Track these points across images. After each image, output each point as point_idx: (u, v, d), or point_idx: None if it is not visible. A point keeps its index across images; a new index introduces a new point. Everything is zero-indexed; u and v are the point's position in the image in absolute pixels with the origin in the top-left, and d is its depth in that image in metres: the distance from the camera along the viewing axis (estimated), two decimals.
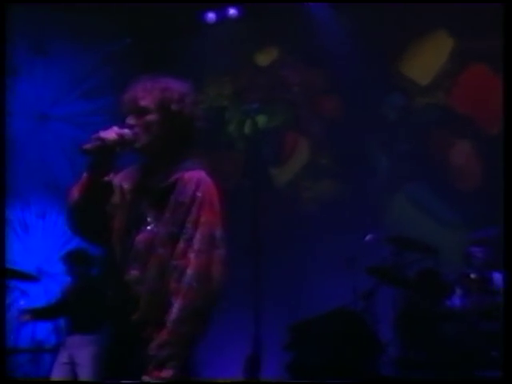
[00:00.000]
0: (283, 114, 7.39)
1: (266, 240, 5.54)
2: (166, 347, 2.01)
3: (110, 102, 7.34)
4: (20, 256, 6.60)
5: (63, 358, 5.07)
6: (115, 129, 2.15)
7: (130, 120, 2.20)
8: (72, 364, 5.03)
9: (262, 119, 6.93)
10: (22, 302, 5.53)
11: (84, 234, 2.29)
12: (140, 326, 2.10)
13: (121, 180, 2.27)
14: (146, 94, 2.21)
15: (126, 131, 2.16)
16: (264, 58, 7.58)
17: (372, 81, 6.78)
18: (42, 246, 6.07)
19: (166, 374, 2.00)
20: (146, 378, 2.01)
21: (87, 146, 2.10)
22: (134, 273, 2.14)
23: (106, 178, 2.19)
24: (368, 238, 5.59)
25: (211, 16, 7.52)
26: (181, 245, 2.10)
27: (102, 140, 2.11)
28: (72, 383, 5.03)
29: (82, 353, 4.94)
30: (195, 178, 2.17)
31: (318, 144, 7.26)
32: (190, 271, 2.05)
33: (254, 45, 7.58)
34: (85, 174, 2.20)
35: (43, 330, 5.54)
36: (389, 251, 5.40)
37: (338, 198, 6.90)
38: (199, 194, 2.14)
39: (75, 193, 2.22)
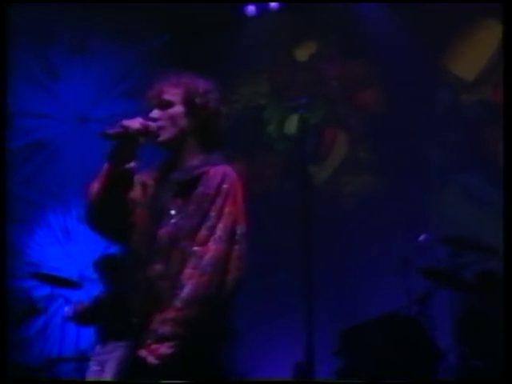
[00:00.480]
0: (323, 109, 7.18)
1: (314, 242, 5.35)
2: (168, 324, 2.00)
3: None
4: (62, 262, 6.61)
5: (95, 365, 4.98)
6: (139, 119, 2.18)
7: (155, 113, 2.24)
8: (102, 371, 4.95)
9: (305, 116, 6.76)
10: (65, 310, 5.49)
11: (104, 229, 2.28)
12: (162, 322, 2.06)
13: (143, 177, 2.29)
14: (170, 88, 2.26)
15: (151, 123, 2.20)
16: (303, 53, 7.44)
17: (417, 74, 6.60)
18: (84, 250, 5.99)
19: (164, 350, 1.98)
20: (142, 352, 2.00)
21: (110, 131, 2.12)
22: (157, 268, 2.13)
23: (127, 169, 2.19)
24: (422, 237, 5.38)
25: (251, 9, 7.39)
26: (203, 232, 2.11)
27: (125, 128, 2.13)
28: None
29: (111, 359, 4.87)
30: (221, 171, 2.19)
31: (357, 138, 7.10)
32: (206, 257, 2.06)
33: (293, 39, 7.46)
34: (105, 165, 2.21)
35: (87, 339, 5.45)
36: (445, 251, 5.20)
37: (380, 193, 6.72)
38: (225, 186, 2.16)
39: (95, 185, 2.22)
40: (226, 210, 2.13)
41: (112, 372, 4.67)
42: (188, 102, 2.25)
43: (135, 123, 2.15)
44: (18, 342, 5.71)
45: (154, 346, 2.00)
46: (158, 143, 2.22)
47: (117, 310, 4.64)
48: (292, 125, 6.97)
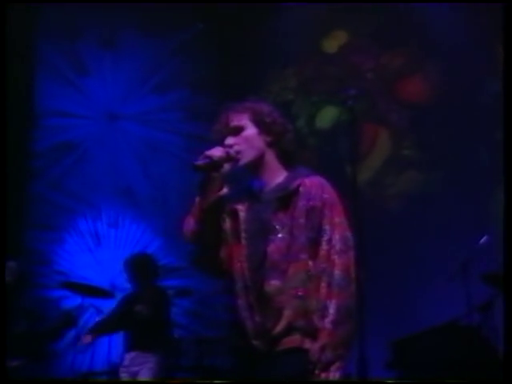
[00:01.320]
0: (358, 103, 6.85)
1: (360, 249, 5.05)
2: (328, 349, 2.11)
3: (183, 96, 7.40)
4: (93, 271, 6.52)
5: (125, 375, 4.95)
6: (219, 148, 2.28)
7: (230, 140, 2.33)
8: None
9: (331, 112, 6.66)
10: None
11: (207, 266, 2.38)
12: (284, 336, 2.17)
13: (230, 204, 2.36)
14: (236, 114, 2.38)
15: (229, 149, 2.30)
16: (332, 44, 7.13)
17: (465, 63, 6.25)
18: (116, 258, 5.81)
19: (334, 375, 2.10)
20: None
21: (198, 163, 2.22)
22: (274, 283, 2.20)
23: (218, 199, 2.27)
24: (484, 239, 4.99)
25: None
26: (323, 247, 2.21)
27: (210, 157, 2.22)
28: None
29: (143, 371, 4.89)
30: (317, 182, 2.31)
31: (400, 134, 6.77)
32: (337, 272, 2.17)
33: (321, 29, 7.16)
34: (197, 199, 2.30)
35: (118, 352, 5.27)
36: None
37: (429, 193, 6.38)
38: (326, 196, 2.28)
39: (190, 222, 2.32)
40: (336, 220, 2.25)
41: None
42: (258, 122, 2.37)
43: (217, 152, 2.25)
44: (49, 355, 5.49)
45: (323, 375, 2.11)
46: (240, 167, 2.33)
47: (146, 320, 4.93)
48: (325, 119, 6.84)
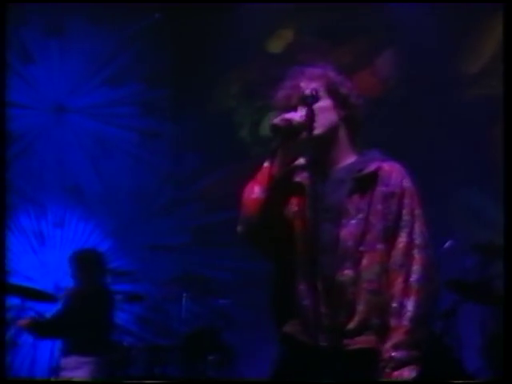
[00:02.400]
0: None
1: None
2: (403, 348, 1.99)
3: (137, 89, 7.31)
4: (36, 272, 6.42)
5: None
6: (298, 113, 2.12)
7: (302, 109, 2.14)
8: None
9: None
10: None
11: (263, 243, 2.19)
12: (357, 334, 2.04)
13: (299, 178, 2.21)
14: (310, 81, 2.21)
15: (305, 117, 2.13)
16: (276, 44, 7.09)
17: (417, 58, 6.30)
18: (61, 259, 5.62)
19: (407, 376, 1.99)
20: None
21: (277, 122, 2.07)
22: (347, 273, 2.05)
23: (289, 170, 2.14)
24: (447, 244, 4.99)
25: None
26: (403, 239, 2.08)
27: (289, 120, 2.07)
28: (72, 383, 4.92)
29: (79, 375, 4.82)
30: (396, 167, 2.18)
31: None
32: (416, 267, 2.05)
33: (265, 29, 7.08)
34: (266, 165, 2.12)
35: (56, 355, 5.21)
36: (474, 260, 4.94)
37: None
38: (406, 184, 2.14)
39: (255, 189, 2.12)
40: (416, 211, 2.12)
41: None
42: (332, 93, 2.21)
43: (296, 116, 2.09)
44: None
45: (395, 373, 1.99)
46: (313, 138, 2.11)
47: (85, 318, 4.84)
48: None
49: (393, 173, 2.15)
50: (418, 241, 2.08)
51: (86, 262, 5.15)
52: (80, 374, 4.79)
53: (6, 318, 4.73)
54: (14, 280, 5.79)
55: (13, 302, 5.36)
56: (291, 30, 7.07)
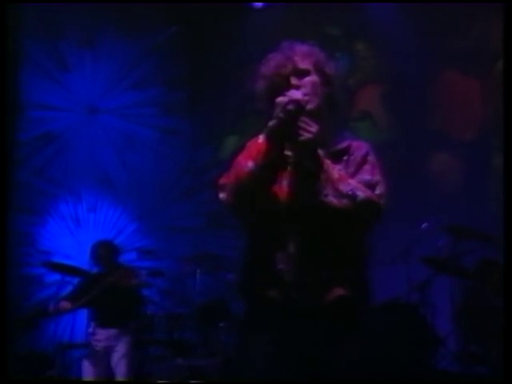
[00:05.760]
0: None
1: None
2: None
3: (158, 93, 7.53)
4: (73, 251, 6.65)
5: (98, 350, 5.16)
6: (295, 91, 2.08)
7: (295, 81, 2.14)
8: (108, 356, 5.15)
9: None
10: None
11: (247, 212, 2.13)
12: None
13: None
14: (303, 57, 2.18)
15: (301, 93, 2.10)
16: None
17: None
18: (94, 239, 5.77)
19: None
20: None
21: (290, 108, 1.98)
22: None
23: (284, 147, 2.06)
24: (424, 226, 5.36)
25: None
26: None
27: (297, 101, 2.02)
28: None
29: (118, 345, 5.11)
30: (365, 145, 2.19)
31: None
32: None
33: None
34: (261, 140, 2.04)
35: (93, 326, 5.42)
36: (446, 240, 5.20)
37: None
38: (370, 158, 2.15)
39: (249, 163, 2.03)
40: (378, 177, 2.12)
41: (124, 362, 5.07)
42: (320, 71, 2.18)
43: (297, 94, 2.05)
44: (30, 330, 5.83)
45: None
46: (306, 113, 2.05)
47: (112, 296, 5.10)
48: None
49: (360, 148, 2.16)
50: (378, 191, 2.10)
51: (105, 250, 5.37)
52: (119, 345, 5.08)
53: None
54: (54, 258, 6.19)
55: (54, 277, 5.74)
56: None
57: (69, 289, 5.45)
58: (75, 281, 5.48)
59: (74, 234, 6.94)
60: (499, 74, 6.07)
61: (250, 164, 2.03)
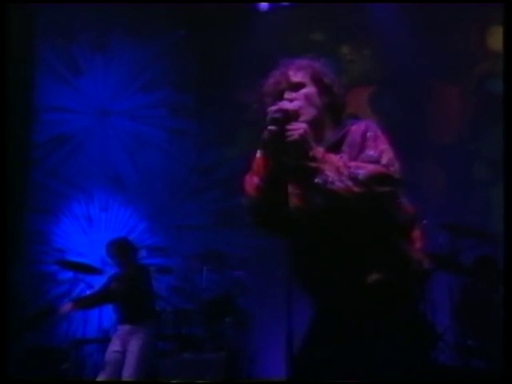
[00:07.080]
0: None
1: None
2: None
3: (167, 94, 7.63)
4: (85, 249, 6.75)
5: (116, 346, 5.16)
6: (285, 102, 2.16)
7: (289, 95, 2.21)
8: (123, 352, 5.13)
9: None
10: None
11: (272, 224, 2.19)
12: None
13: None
14: (297, 70, 2.25)
15: (293, 104, 2.17)
16: None
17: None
18: (106, 237, 5.82)
19: None
20: None
21: (276, 116, 2.06)
22: None
23: (279, 157, 2.10)
24: (423, 223, 5.30)
25: (264, 4, 7.47)
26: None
27: (285, 110, 2.09)
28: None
29: (133, 341, 5.09)
30: (363, 123, 2.18)
31: None
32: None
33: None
34: (259, 155, 2.13)
35: (109, 320, 5.64)
36: (444, 237, 5.29)
37: None
38: (369, 134, 2.13)
39: (254, 179, 2.14)
40: (382, 147, 2.11)
41: (135, 358, 5.04)
42: (317, 82, 2.24)
43: (287, 105, 2.13)
44: (43, 326, 5.93)
45: None
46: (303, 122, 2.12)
47: (131, 293, 5.16)
48: None
49: (358, 128, 2.16)
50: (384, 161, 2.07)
51: (120, 249, 5.32)
52: (133, 340, 5.06)
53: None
54: (67, 256, 6.29)
55: (67, 275, 5.85)
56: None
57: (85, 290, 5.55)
58: (87, 278, 5.61)
59: (87, 232, 7.01)
60: (477, 78, 6.19)
61: (256, 180, 2.13)
